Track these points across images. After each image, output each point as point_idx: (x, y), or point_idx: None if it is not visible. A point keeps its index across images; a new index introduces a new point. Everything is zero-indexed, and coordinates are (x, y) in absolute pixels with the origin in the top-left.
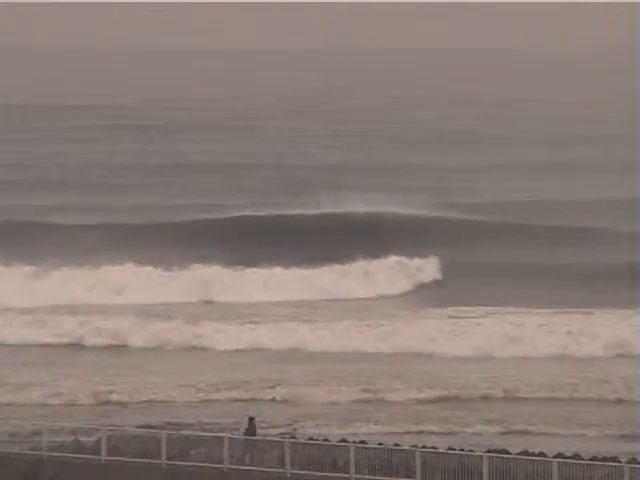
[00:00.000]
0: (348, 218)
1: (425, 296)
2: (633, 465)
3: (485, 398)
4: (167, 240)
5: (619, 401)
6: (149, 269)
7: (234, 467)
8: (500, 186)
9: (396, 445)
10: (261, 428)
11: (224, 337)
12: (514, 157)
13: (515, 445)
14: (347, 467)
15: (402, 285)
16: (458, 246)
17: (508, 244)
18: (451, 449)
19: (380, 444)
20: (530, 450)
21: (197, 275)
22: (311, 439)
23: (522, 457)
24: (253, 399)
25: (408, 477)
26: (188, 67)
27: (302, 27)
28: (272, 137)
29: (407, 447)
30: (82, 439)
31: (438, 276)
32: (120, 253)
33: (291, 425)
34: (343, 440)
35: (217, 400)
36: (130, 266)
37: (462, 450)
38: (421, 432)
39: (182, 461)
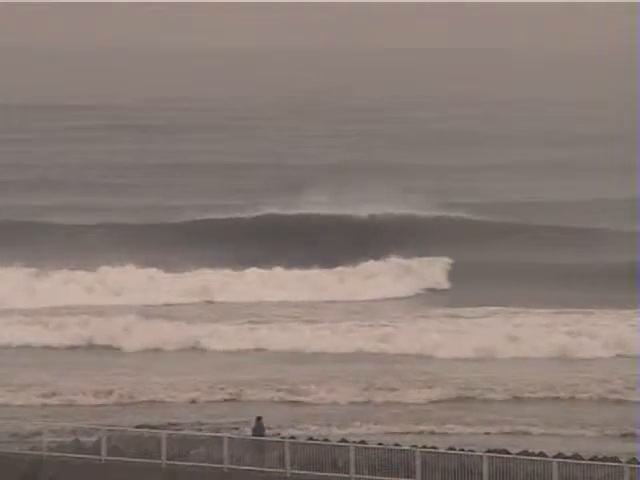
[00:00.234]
0: (348, 218)
1: (425, 296)
2: (633, 465)
3: (485, 398)
4: (167, 240)
5: (619, 401)
6: (149, 269)
7: (234, 467)
8: (500, 186)
9: (396, 445)
10: (269, 429)
11: (224, 337)
12: (514, 157)
13: (515, 445)
14: (347, 467)
15: (402, 286)
16: (458, 247)
17: (508, 244)
18: (451, 449)
19: (380, 444)
20: (530, 450)
21: (197, 275)
22: (311, 439)
23: (522, 457)
24: (253, 399)
25: (408, 477)
26: (188, 67)
27: (302, 27)
28: (272, 137)
29: (407, 447)
30: (82, 439)
31: (438, 276)
32: (120, 253)
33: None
34: (343, 440)
35: (217, 400)
36: (130, 267)
37: (462, 450)
38: (421, 432)
39: (182, 461)
